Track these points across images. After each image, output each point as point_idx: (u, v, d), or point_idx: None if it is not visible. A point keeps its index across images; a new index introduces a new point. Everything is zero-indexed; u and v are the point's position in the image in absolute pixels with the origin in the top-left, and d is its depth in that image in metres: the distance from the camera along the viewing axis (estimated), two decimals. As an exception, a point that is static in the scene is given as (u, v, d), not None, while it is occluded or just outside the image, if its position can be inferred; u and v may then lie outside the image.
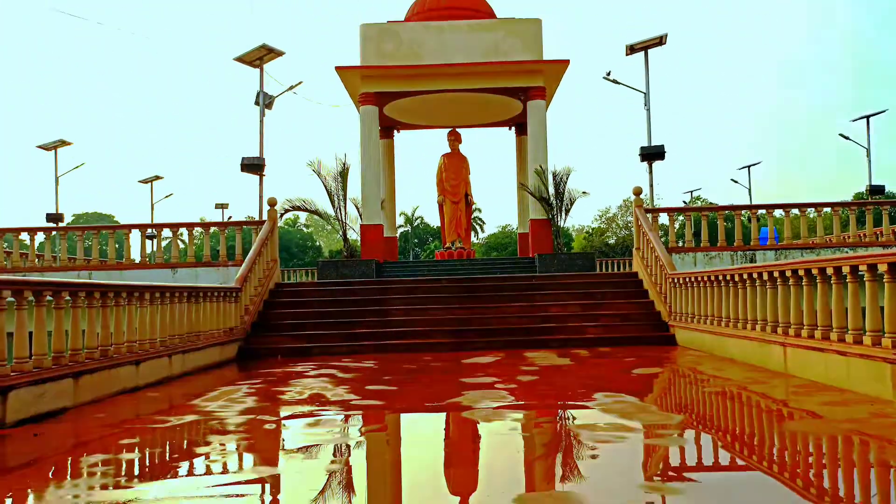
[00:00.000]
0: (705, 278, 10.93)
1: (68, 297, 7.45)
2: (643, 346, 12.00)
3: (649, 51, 20.71)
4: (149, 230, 17.90)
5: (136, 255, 19.41)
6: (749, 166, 42.66)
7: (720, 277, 10.32)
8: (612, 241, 62.76)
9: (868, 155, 30.01)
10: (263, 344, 12.45)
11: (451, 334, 12.69)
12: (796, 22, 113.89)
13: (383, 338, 12.58)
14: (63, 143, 28.19)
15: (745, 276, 9.46)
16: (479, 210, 70.89)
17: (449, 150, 22.35)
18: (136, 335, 8.66)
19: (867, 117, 30.33)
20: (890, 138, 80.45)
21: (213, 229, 17.58)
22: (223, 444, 5.51)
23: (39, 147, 28.01)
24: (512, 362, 10.27)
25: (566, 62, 19.43)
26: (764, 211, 17.22)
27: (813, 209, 16.87)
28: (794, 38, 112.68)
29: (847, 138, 31.21)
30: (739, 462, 4.76)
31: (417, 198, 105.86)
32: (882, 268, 6.46)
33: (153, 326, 9.07)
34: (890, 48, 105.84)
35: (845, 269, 7.10)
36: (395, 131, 24.38)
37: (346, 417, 6.55)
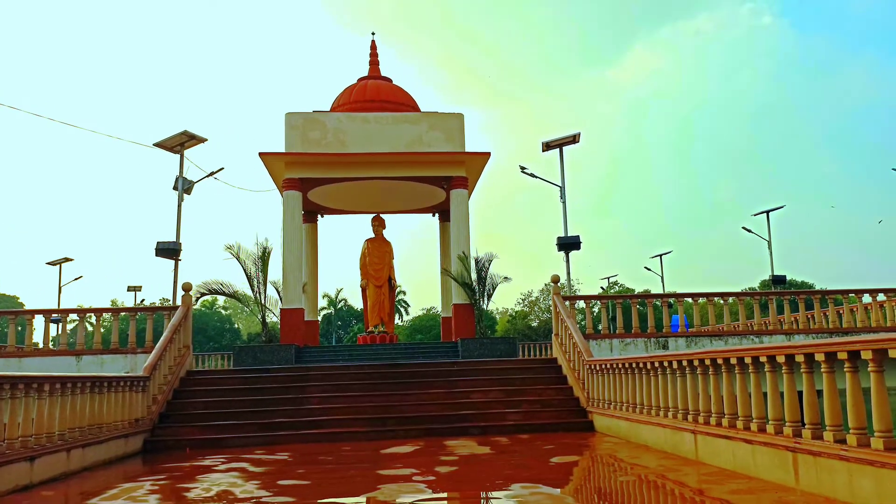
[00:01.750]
0: (620, 365, 11.18)
1: (-43, 389, 6.95)
2: (563, 432, 12.06)
3: (564, 148, 21.73)
4: (54, 315, 17.04)
5: (39, 339, 18.41)
6: (661, 255, 44.61)
7: (634, 365, 10.58)
8: (535, 324, 63.81)
9: (769, 247, 31.92)
10: (172, 435, 11.83)
11: (370, 422, 12.43)
12: (701, 118, 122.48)
13: (300, 427, 12.18)
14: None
15: (656, 364, 9.73)
16: (404, 293, 70.95)
17: (373, 236, 22.50)
18: (32, 429, 8.10)
19: (767, 212, 32.44)
20: (789, 231, 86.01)
21: (122, 314, 16.89)
22: (119, 550, 5.16)
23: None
24: (432, 451, 10.11)
25: (487, 154, 20.12)
26: (674, 299, 17.92)
27: (720, 297, 17.68)
28: (697, 132, 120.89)
29: (749, 231, 33.19)
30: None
31: (342, 280, 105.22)
32: (780, 359, 6.79)
33: (51, 419, 8.52)
34: (791, 148, 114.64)
35: (748, 360, 7.43)
36: (320, 216, 24.38)
37: (256, 516, 6.24)
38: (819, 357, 6.22)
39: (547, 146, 21.66)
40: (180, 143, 20.47)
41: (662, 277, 44.14)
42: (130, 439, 10.89)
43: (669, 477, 7.52)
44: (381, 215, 22.90)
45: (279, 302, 19.86)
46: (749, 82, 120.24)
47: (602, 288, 55.67)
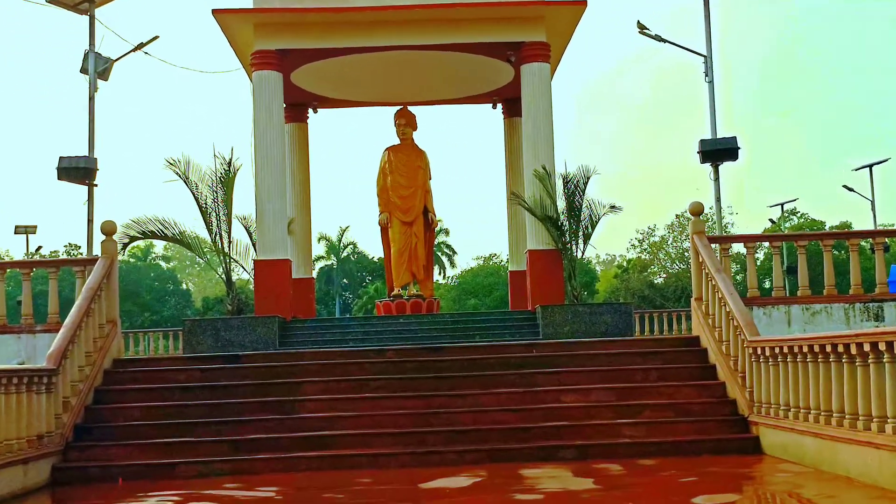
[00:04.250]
0: (805, 349, 11.06)
1: None
2: (710, 455, 12.15)
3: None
4: None
5: None
6: (870, 165, 43.52)
7: (829, 348, 10.45)
8: (659, 281, 63.53)
9: None
10: (94, 459, 12.25)
11: (401, 440, 12.64)
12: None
13: (291, 447, 12.48)
14: None
15: (867, 348, 9.59)
16: (447, 232, 71.09)
17: (397, 142, 22.42)
18: None
19: None
20: None
21: (9, 271, 17.28)
22: None
23: None
24: (500, 486, 10.29)
25: (581, 4, 19.76)
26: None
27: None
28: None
29: None
30: None
31: (348, 214, 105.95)
32: None
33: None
34: None
35: None
36: (311, 110, 24.42)
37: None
38: None
39: (682, -11, 21.16)
40: (87, -4, 20.55)
41: (873, 203, 43.30)
42: (32, 466, 11.24)
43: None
44: (410, 109, 22.78)
45: (251, 249, 20.10)
46: None
47: (772, 221, 54.92)
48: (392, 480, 10.93)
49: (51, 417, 12.11)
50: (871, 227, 42.08)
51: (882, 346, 9.31)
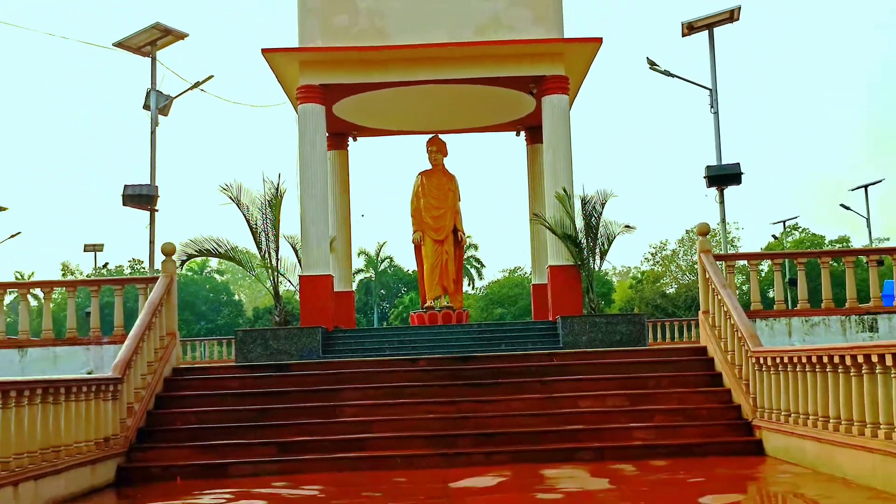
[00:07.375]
0: (805, 359, 11.03)
1: None
2: (716, 456, 12.14)
3: (715, 30, 21.22)
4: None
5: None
6: (866, 186, 43.19)
7: (827, 359, 10.41)
8: (670, 291, 63.43)
9: None
10: (155, 460, 12.39)
11: (433, 442, 12.73)
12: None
13: (333, 449, 12.57)
14: None
15: (862, 359, 9.55)
16: (476, 247, 71.22)
17: (429, 167, 22.52)
18: (-34, 454, 8.58)
19: None
20: None
21: (80, 288, 17.51)
22: None
23: None
24: (523, 484, 10.35)
25: (597, 41, 19.73)
26: (890, 256, 17.47)
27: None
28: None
29: None
30: None
31: (385, 230, 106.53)
32: None
33: (-10, 441, 9.01)
34: None
35: None
36: (351, 139, 24.54)
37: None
38: None
39: (690, 28, 21.20)
40: (151, 41, 20.80)
41: (868, 221, 42.89)
42: (99, 466, 11.43)
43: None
44: (441, 136, 22.86)
45: (297, 265, 20.25)
46: None
47: (774, 237, 54.67)
48: (424, 479, 11.02)
49: (116, 422, 12.27)
50: (867, 241, 42.02)
51: (875, 358, 9.27)
